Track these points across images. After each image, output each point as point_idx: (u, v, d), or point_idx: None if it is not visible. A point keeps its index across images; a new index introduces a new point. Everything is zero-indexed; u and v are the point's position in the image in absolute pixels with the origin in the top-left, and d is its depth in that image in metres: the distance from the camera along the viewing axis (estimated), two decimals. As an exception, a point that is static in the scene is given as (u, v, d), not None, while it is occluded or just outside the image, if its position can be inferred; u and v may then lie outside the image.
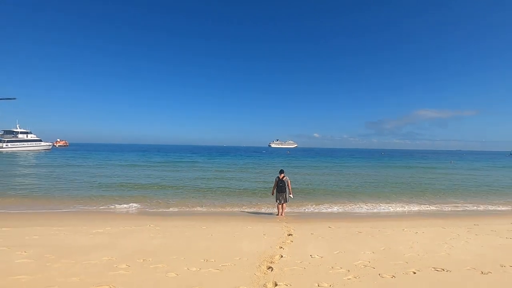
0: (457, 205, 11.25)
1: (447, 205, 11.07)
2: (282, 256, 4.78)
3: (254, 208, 10.63)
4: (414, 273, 4.07)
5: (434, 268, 4.25)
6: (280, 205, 9.34)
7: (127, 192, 13.14)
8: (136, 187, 14.84)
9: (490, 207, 11.00)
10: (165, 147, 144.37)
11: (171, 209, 10.18)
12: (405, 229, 7.01)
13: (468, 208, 10.74)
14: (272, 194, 9.53)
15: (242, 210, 10.21)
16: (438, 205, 11.18)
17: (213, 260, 4.49)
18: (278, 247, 5.38)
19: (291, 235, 6.43)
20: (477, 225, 7.54)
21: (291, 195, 9.34)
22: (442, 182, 19.16)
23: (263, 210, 10.23)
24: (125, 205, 10.49)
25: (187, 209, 10.25)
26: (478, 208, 10.86)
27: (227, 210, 10.32)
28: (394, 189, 15.51)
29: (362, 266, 4.31)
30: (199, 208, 10.41)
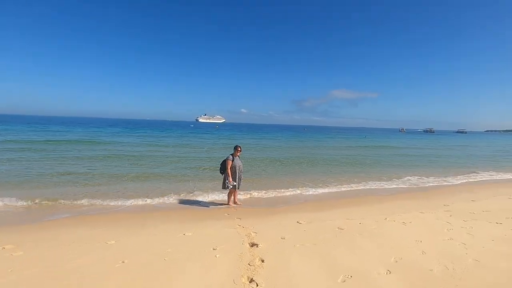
0: (402, 179, 11.12)
1: (395, 182, 10.77)
2: (263, 311, 2.55)
3: (189, 196, 7.89)
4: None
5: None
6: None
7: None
8: None
9: (432, 181, 11.17)
10: (73, 120, 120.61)
11: (54, 211, 6.32)
12: (387, 219, 5.72)
13: (416, 184, 10.59)
14: None
15: (172, 202, 7.38)
16: (385, 181, 10.78)
17: None
18: (247, 280, 3.14)
19: (256, 245, 4.25)
20: (447, 205, 6.92)
21: (228, 182, 6.74)
22: (372, 157, 20.05)
23: (202, 199, 7.67)
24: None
25: (85, 209, 6.58)
26: (423, 181, 10.90)
27: (149, 204, 7.13)
28: (331, 166, 14.99)
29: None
30: (105, 205, 6.90)
